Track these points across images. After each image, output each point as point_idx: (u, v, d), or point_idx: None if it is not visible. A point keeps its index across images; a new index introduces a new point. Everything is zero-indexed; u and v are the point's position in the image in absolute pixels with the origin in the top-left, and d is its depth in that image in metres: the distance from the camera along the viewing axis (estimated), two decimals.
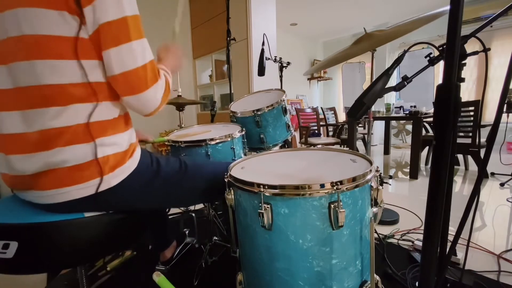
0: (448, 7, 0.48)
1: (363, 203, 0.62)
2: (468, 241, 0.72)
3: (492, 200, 1.96)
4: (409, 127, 4.80)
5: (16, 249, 0.55)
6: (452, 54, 0.45)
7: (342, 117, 4.88)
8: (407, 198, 2.12)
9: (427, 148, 3.06)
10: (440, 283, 0.64)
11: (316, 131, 3.59)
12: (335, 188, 0.56)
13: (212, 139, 1.04)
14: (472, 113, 2.42)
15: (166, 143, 1.11)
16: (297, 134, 3.72)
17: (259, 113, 1.24)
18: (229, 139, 1.08)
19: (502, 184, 2.27)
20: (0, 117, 0.57)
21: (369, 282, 0.65)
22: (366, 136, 3.69)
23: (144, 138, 0.97)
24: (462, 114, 2.41)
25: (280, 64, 1.81)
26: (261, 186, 0.58)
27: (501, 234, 1.45)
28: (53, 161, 0.56)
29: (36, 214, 0.60)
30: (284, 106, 1.28)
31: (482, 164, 0.60)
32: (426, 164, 3.12)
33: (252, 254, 0.67)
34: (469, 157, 2.88)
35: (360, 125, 4.21)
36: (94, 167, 0.58)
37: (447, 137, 0.48)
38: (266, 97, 1.42)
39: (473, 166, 2.89)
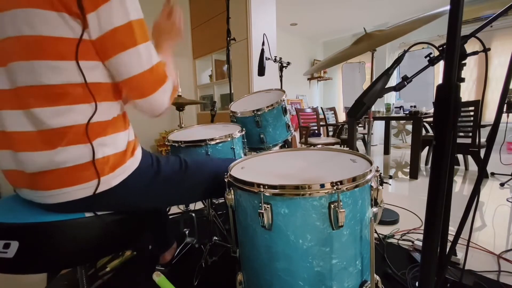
0: (448, 7, 0.48)
1: (363, 203, 0.62)
2: (468, 241, 0.72)
3: (492, 200, 1.96)
4: (409, 127, 4.80)
5: (16, 249, 0.56)
6: (452, 54, 0.45)
7: (342, 117, 4.88)
8: (407, 198, 2.12)
9: (427, 148, 3.06)
10: (440, 283, 0.64)
11: (316, 131, 3.59)
12: (335, 188, 0.56)
13: (212, 139, 1.04)
14: (472, 113, 2.42)
15: (166, 143, 1.11)
16: (297, 134, 3.72)
17: (259, 113, 1.24)
18: (229, 139, 1.08)
19: (502, 184, 2.27)
20: (4, 116, 0.57)
21: (369, 282, 0.66)
22: (366, 136, 3.69)
23: None
24: (462, 114, 2.41)
25: (280, 64, 1.81)
26: (261, 186, 0.58)
27: (501, 234, 1.45)
28: (55, 161, 0.56)
29: (37, 214, 0.60)
30: (284, 106, 1.28)
31: (482, 164, 0.60)
32: (426, 164, 3.12)
33: (252, 254, 0.67)
34: (469, 157, 2.88)
35: (360, 125, 4.21)
36: (94, 168, 0.58)
37: (447, 137, 0.48)
38: (266, 97, 1.42)
39: (473, 166, 2.89)
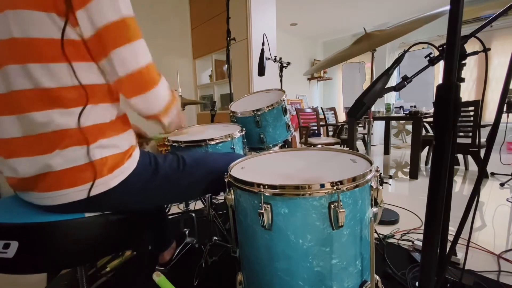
0: (448, 7, 0.48)
1: (363, 203, 0.62)
2: (468, 241, 0.72)
3: (492, 200, 1.96)
4: (409, 127, 4.80)
5: (16, 249, 0.56)
6: (452, 54, 0.46)
7: (342, 117, 4.88)
8: (407, 198, 2.12)
9: (427, 148, 3.06)
10: (440, 283, 0.64)
11: (316, 131, 3.59)
12: (335, 188, 0.56)
13: (212, 139, 1.04)
14: (472, 113, 2.42)
15: (166, 143, 1.11)
16: (297, 134, 3.72)
17: (259, 113, 1.24)
18: (229, 139, 1.08)
19: (502, 184, 2.27)
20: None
21: (369, 282, 0.66)
22: (366, 136, 3.69)
23: (142, 132, 0.97)
24: (462, 114, 2.41)
25: (280, 64, 1.81)
26: (261, 186, 0.58)
27: (501, 234, 1.45)
28: (52, 164, 0.55)
29: (37, 214, 0.60)
30: (284, 106, 1.28)
31: (482, 164, 0.60)
32: (426, 164, 3.12)
33: (252, 254, 0.67)
34: (469, 157, 2.88)
35: (360, 125, 4.21)
36: (92, 169, 0.58)
37: (447, 137, 0.48)
38: (266, 97, 1.42)
39: (473, 166, 2.89)
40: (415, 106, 2.92)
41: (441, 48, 0.84)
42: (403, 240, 1.42)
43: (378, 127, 5.06)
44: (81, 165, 0.57)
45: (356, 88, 5.18)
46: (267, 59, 1.69)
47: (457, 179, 2.55)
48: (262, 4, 2.64)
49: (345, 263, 0.61)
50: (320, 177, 0.65)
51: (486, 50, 0.77)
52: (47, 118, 0.54)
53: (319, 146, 3.04)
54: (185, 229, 1.44)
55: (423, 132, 2.87)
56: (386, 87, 0.76)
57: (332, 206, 0.56)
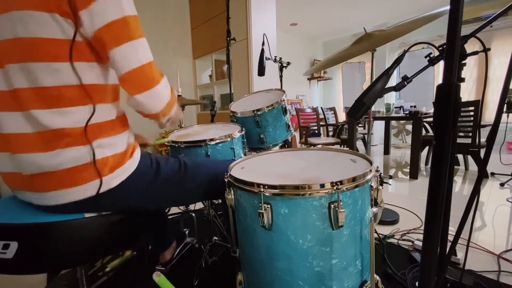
0: (448, 7, 0.48)
1: (363, 203, 0.62)
2: (468, 241, 0.72)
3: (492, 200, 1.96)
4: (409, 127, 4.80)
5: (16, 249, 0.56)
6: (452, 54, 0.45)
7: (342, 117, 4.88)
8: (407, 198, 2.12)
9: (427, 148, 3.06)
10: (440, 283, 0.64)
11: (316, 131, 3.59)
12: (335, 188, 0.56)
13: (212, 139, 1.04)
14: (472, 113, 2.42)
15: (166, 143, 1.11)
16: (297, 134, 3.72)
17: (259, 113, 1.24)
18: (229, 139, 1.08)
19: (502, 184, 2.26)
20: (1, 117, 0.57)
21: (369, 282, 0.65)
22: (366, 136, 3.69)
23: (144, 142, 0.97)
24: (462, 114, 2.40)
25: (280, 64, 1.81)
26: (261, 186, 0.58)
27: (501, 234, 1.45)
28: (54, 162, 0.56)
29: (36, 214, 0.60)
30: (284, 106, 1.28)
31: (482, 164, 0.60)
32: (426, 164, 3.12)
33: (252, 254, 0.67)
34: (469, 157, 2.88)
35: (360, 125, 4.21)
36: (93, 169, 0.58)
37: (447, 137, 0.48)
38: (266, 97, 1.42)
39: (473, 166, 2.89)
40: (415, 106, 2.92)
41: (441, 48, 0.84)
42: (403, 240, 1.42)
43: (378, 127, 5.05)
44: (83, 165, 0.58)
45: (356, 88, 5.18)
46: (267, 59, 1.69)
47: (457, 179, 2.55)
48: (262, 4, 2.64)
49: (345, 263, 0.61)
50: (320, 177, 0.65)
51: (486, 50, 0.77)
52: (48, 117, 0.54)
53: (319, 146, 3.04)
54: (185, 229, 1.44)
55: (423, 132, 2.87)
56: (386, 87, 0.76)
57: (332, 206, 0.56)
